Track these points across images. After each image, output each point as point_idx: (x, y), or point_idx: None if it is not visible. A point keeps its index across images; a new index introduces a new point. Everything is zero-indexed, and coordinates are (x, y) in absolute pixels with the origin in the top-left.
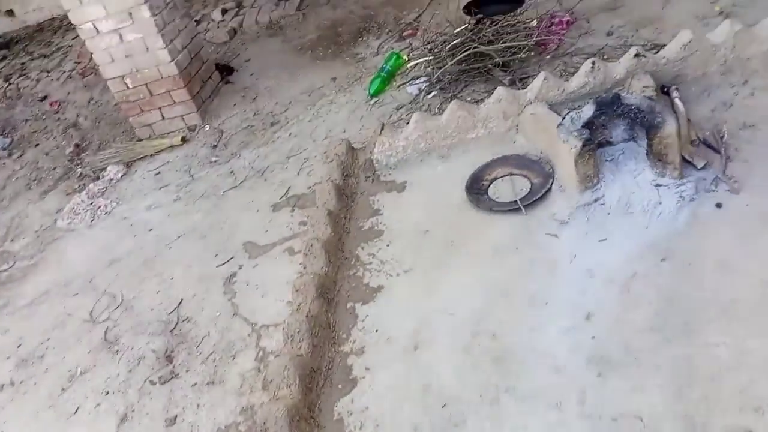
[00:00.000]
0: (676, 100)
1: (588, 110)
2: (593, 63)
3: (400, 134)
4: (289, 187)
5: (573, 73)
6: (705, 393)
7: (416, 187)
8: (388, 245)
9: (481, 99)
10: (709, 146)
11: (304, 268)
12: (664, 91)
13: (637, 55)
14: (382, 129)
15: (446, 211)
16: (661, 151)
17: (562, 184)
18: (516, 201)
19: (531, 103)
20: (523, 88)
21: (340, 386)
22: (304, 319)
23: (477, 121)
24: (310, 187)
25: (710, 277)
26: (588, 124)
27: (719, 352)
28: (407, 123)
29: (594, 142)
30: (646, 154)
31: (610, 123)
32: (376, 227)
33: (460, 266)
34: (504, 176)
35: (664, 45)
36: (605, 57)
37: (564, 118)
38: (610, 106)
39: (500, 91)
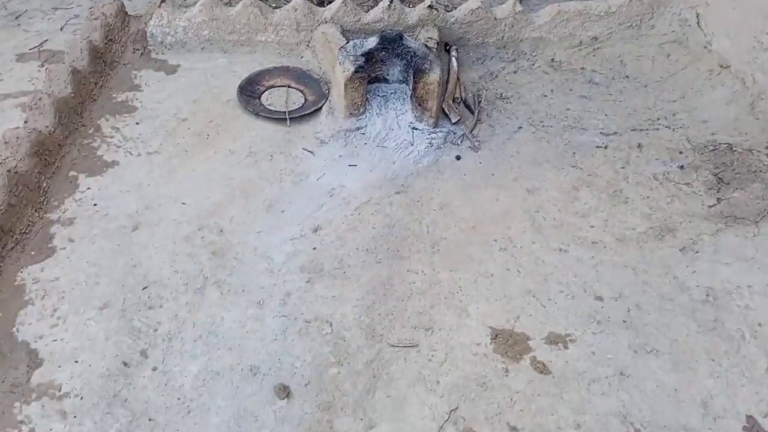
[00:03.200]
0: (453, 59)
1: (371, 42)
2: (391, 1)
3: (183, 13)
4: (46, 40)
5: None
6: (391, 310)
7: (188, 74)
8: (137, 123)
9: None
10: (468, 107)
11: (26, 122)
12: (446, 48)
13: (430, 7)
14: (163, 0)
15: (212, 105)
16: (422, 96)
17: (333, 107)
18: (285, 112)
19: (326, 22)
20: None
21: (33, 253)
22: (4, 173)
23: (269, 24)
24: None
25: (430, 216)
26: (368, 54)
27: (415, 278)
28: (195, 4)
29: (366, 70)
30: (410, 97)
31: (389, 61)
32: (130, 102)
33: (207, 160)
34: (281, 86)
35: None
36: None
37: (348, 43)
38: (392, 42)
39: (297, 0)
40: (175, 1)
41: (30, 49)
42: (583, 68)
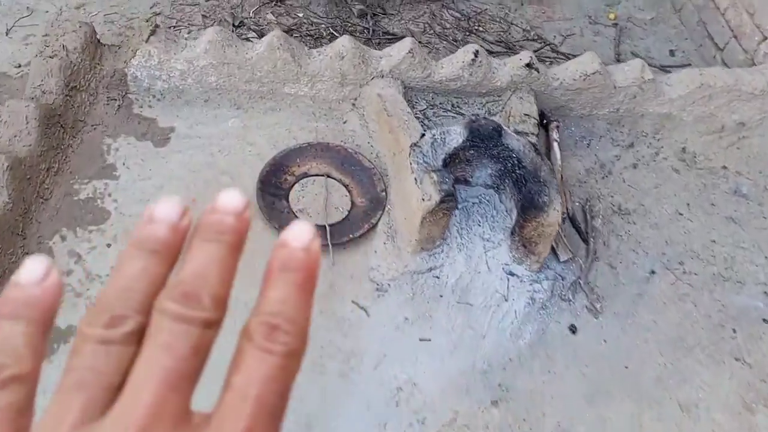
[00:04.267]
0: (555, 145)
1: (456, 136)
2: (476, 54)
3: (181, 50)
4: None
5: (448, 42)
6: None
7: (185, 146)
8: (108, 246)
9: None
10: (577, 228)
11: None
12: (543, 122)
13: (528, 66)
14: (154, 31)
15: None
16: (532, 238)
17: (394, 225)
18: (325, 230)
19: (382, 76)
20: (377, 47)
21: None
22: None
23: (302, 74)
24: (19, 68)
25: None
26: (452, 156)
27: None
28: (199, 37)
29: (455, 198)
30: (512, 233)
31: (478, 162)
32: (98, 202)
33: None
34: (318, 175)
35: (550, 44)
36: (476, 25)
37: (423, 137)
38: (486, 140)
39: (345, 42)
40: (169, 33)
41: None
42: (725, 167)
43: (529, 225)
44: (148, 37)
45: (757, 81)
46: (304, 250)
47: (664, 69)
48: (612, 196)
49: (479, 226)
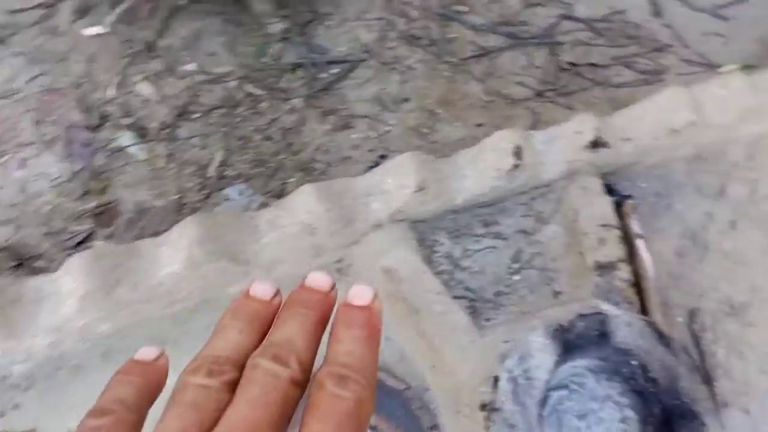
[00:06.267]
0: (641, 246)
1: (542, 360)
2: (517, 155)
3: (32, 319)
4: None
5: (423, 49)
6: None
7: None
8: None
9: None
10: (693, 367)
11: None
12: (612, 199)
13: (596, 145)
14: None
15: None
16: None
17: None
18: None
19: (380, 225)
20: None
21: None
22: None
23: (253, 268)
24: None
25: None
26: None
27: None
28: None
29: None
30: None
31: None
32: None
33: None
34: None
35: (579, 19)
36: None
37: (497, 385)
38: (587, 349)
39: (311, 204)
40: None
41: None
42: None
43: None
44: None
45: None
46: (366, 308)
47: (718, 12)
48: (717, 288)
49: None
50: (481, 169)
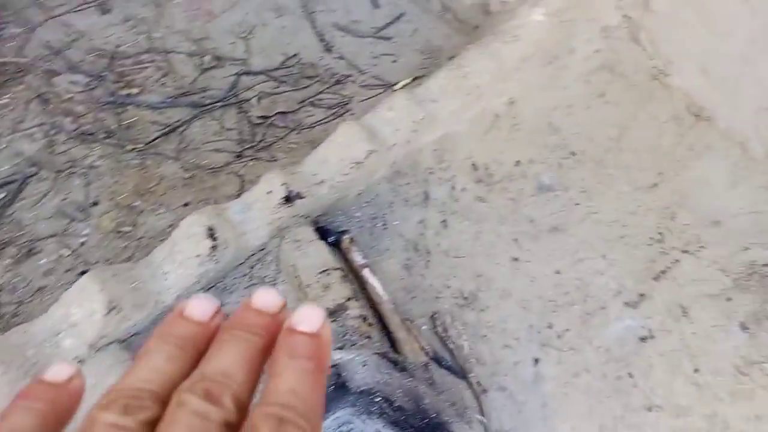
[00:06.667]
0: (367, 273)
1: None
2: (212, 236)
3: None
4: None
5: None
6: None
7: None
8: None
9: None
10: (447, 367)
11: None
12: (329, 240)
13: (290, 199)
14: None
15: None
16: None
17: None
18: None
19: (82, 360)
20: None
21: None
22: None
23: None
24: None
25: None
26: None
27: None
28: None
29: None
30: None
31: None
32: None
33: None
34: None
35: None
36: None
37: None
38: (330, 406)
39: None
40: None
41: None
42: (518, 162)
43: None
44: None
45: (517, 50)
46: (315, 336)
47: (380, 34)
48: (448, 286)
49: None
50: (180, 261)
